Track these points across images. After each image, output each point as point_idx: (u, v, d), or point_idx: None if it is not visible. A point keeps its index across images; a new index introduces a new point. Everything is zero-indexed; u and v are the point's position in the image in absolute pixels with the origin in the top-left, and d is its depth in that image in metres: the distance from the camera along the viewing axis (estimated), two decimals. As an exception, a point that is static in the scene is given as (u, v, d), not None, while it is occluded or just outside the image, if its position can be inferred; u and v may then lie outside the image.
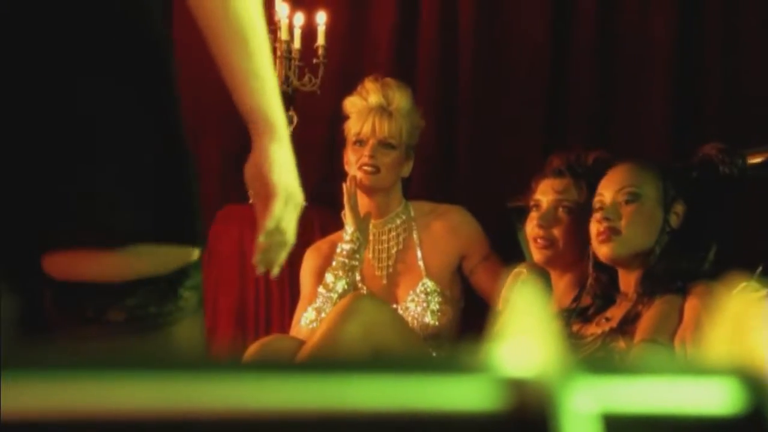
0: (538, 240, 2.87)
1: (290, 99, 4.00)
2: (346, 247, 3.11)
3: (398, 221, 3.23)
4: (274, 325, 3.71)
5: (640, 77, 3.95)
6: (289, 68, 3.90)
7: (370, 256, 3.22)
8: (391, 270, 3.20)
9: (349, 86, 4.25)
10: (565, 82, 4.02)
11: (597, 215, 2.57)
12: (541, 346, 0.65)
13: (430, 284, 3.12)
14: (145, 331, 1.35)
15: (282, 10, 3.87)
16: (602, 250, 2.55)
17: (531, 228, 2.91)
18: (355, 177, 3.16)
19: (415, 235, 3.20)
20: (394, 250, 3.21)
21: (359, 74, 4.22)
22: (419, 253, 3.18)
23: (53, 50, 1.31)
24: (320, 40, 3.87)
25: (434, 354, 3.03)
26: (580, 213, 2.81)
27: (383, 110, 3.16)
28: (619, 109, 3.97)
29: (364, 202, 3.22)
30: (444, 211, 3.27)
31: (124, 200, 1.33)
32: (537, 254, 2.88)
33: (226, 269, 3.78)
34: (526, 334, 0.66)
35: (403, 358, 0.59)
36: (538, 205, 2.91)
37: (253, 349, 2.96)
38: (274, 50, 3.90)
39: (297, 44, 3.88)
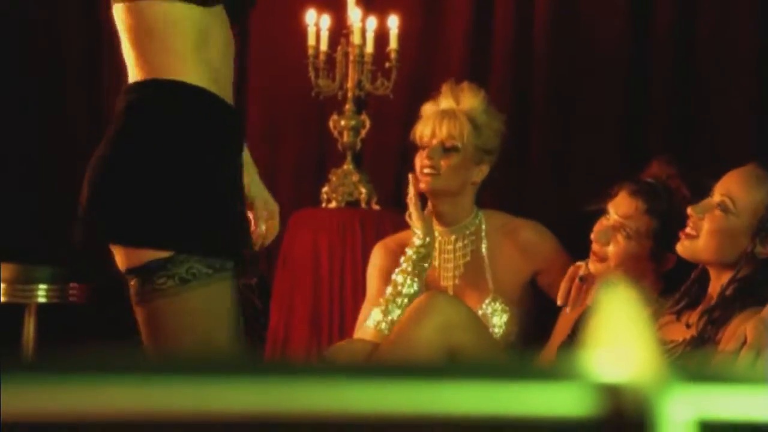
0: (592, 255, 2.83)
1: (363, 103, 4.01)
2: (420, 250, 3.07)
3: (467, 232, 3.14)
4: (348, 328, 3.71)
5: (723, 73, 3.89)
6: (362, 72, 3.90)
7: (436, 263, 3.15)
8: (457, 281, 3.13)
9: (422, 90, 4.25)
10: (645, 81, 3.98)
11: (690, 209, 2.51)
12: (637, 352, 0.64)
13: (497, 302, 3.06)
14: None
15: (354, 14, 3.88)
16: (678, 246, 2.52)
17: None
18: (415, 177, 3.11)
19: (484, 249, 3.12)
20: (461, 262, 3.13)
21: (432, 78, 4.21)
22: (488, 269, 3.10)
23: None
24: (393, 43, 3.87)
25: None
26: (638, 240, 2.76)
27: (448, 113, 3.10)
28: (701, 108, 3.91)
29: (430, 208, 3.16)
30: (517, 226, 3.14)
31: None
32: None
33: (300, 274, 3.79)
34: (621, 339, 0.65)
35: (500, 365, 0.59)
36: (606, 217, 2.84)
37: (327, 353, 2.96)
38: (346, 55, 3.92)
39: (369, 48, 3.88)
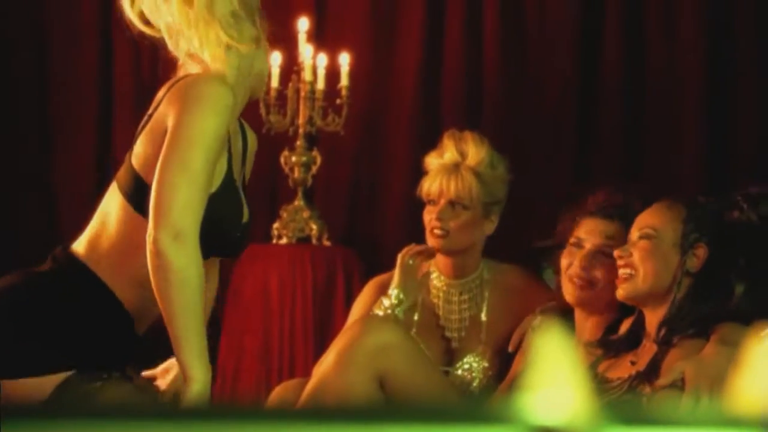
0: (576, 279, 2.80)
1: (314, 139, 4.02)
2: (386, 302, 3.04)
3: (473, 286, 3.11)
4: (298, 364, 3.71)
5: (671, 107, 3.96)
6: (313, 109, 3.92)
7: (439, 312, 3.10)
8: (463, 334, 3.08)
9: (373, 126, 4.28)
10: (595, 116, 4.03)
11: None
12: (570, 395, 0.65)
13: (486, 354, 3.03)
14: None
15: (306, 51, 3.90)
16: (618, 291, 2.55)
17: (570, 265, 2.80)
18: (411, 250, 3.06)
19: (484, 300, 3.08)
20: (466, 315, 3.10)
21: (383, 114, 4.24)
22: (484, 320, 3.07)
23: None
24: (344, 80, 3.90)
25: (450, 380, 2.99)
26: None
27: (455, 168, 3.02)
28: (651, 140, 3.97)
29: (440, 259, 3.11)
30: (503, 271, 3.12)
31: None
32: (573, 292, 2.79)
33: (250, 309, 3.78)
34: (555, 382, 0.66)
35: (434, 407, 0.60)
36: (580, 245, 2.81)
37: (275, 393, 2.95)
38: (297, 91, 3.93)
39: (321, 85, 3.90)
